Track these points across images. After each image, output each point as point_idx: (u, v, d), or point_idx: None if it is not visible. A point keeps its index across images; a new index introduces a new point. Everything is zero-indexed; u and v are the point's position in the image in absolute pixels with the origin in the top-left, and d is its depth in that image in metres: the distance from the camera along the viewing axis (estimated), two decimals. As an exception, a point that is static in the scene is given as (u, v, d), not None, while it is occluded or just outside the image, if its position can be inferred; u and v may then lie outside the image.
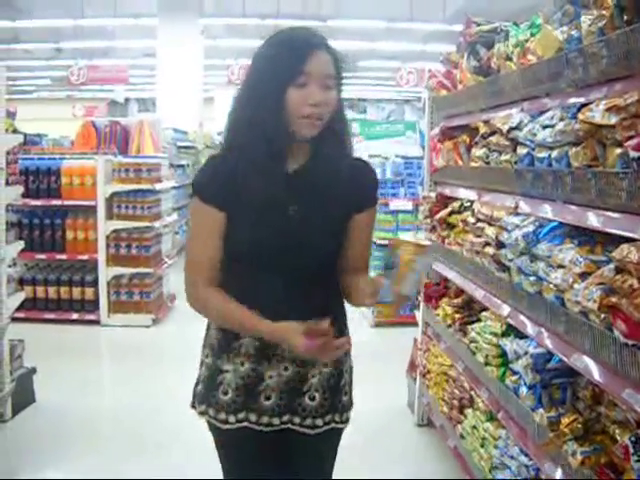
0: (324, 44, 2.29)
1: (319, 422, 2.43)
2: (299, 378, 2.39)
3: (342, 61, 2.34)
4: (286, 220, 2.32)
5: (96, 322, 8.30)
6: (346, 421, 2.52)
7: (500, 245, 3.31)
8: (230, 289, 2.36)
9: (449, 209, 4.47)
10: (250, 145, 2.29)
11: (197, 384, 2.52)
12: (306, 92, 2.24)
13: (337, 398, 2.47)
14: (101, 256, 8.25)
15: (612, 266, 2.36)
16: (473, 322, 4.10)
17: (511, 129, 3.28)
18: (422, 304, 5.24)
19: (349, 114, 2.54)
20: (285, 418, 2.40)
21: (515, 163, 3.28)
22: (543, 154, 2.93)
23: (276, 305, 2.26)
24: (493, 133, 3.62)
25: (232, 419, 2.38)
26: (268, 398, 2.37)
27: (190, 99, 16.59)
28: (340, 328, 2.43)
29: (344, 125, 2.43)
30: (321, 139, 2.34)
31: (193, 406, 2.51)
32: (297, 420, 2.41)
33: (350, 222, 2.44)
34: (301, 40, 2.28)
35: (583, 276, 2.50)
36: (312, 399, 2.41)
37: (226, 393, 2.38)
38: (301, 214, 2.33)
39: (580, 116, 2.57)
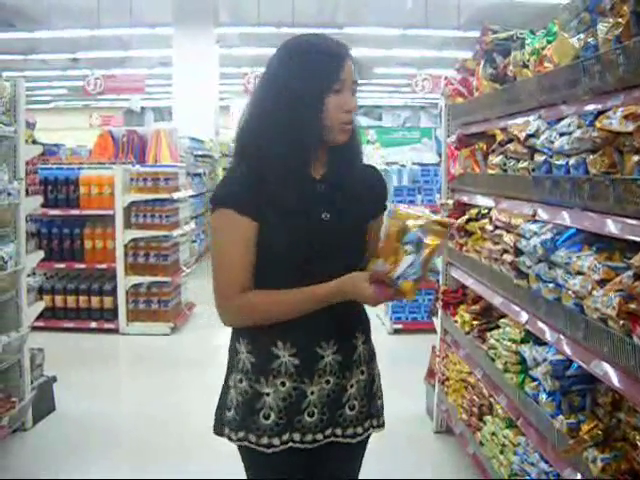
0: (350, 52, 2.33)
1: (359, 430, 2.43)
2: (339, 390, 2.37)
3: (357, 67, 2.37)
4: (320, 226, 2.30)
5: (115, 330, 8.34)
6: (382, 425, 2.53)
7: (518, 252, 3.31)
8: None
9: (467, 216, 4.47)
10: (284, 152, 2.26)
11: (225, 410, 2.41)
12: (341, 99, 2.27)
13: (373, 403, 2.48)
14: (119, 265, 8.30)
15: (631, 273, 2.36)
16: (492, 329, 4.10)
17: (528, 136, 3.28)
18: (440, 311, 5.24)
19: (364, 121, 2.55)
20: (328, 432, 2.37)
21: (533, 170, 3.28)
22: (561, 161, 2.93)
23: (310, 316, 2.27)
24: (510, 140, 3.63)
25: (277, 442, 2.31)
26: (311, 415, 2.33)
27: (206, 108, 16.62)
28: (366, 330, 2.50)
29: (358, 130, 2.45)
30: (340, 146, 2.37)
31: (219, 433, 2.44)
32: (339, 432, 2.39)
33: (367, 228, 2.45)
34: (336, 47, 2.31)
35: (602, 283, 2.51)
36: (352, 408, 2.40)
37: (268, 417, 2.31)
38: (333, 220, 2.32)
39: (597, 123, 2.58)
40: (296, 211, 2.27)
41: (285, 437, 2.31)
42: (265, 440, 2.31)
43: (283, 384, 2.31)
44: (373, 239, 2.40)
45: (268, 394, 2.31)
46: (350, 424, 2.40)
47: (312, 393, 2.32)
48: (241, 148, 2.39)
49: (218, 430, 2.44)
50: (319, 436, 2.35)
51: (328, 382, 2.34)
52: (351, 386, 2.40)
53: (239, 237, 2.27)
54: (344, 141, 2.33)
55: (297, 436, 2.32)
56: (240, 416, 2.35)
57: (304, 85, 2.25)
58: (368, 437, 2.51)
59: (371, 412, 2.47)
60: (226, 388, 2.44)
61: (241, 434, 2.34)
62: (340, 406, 2.38)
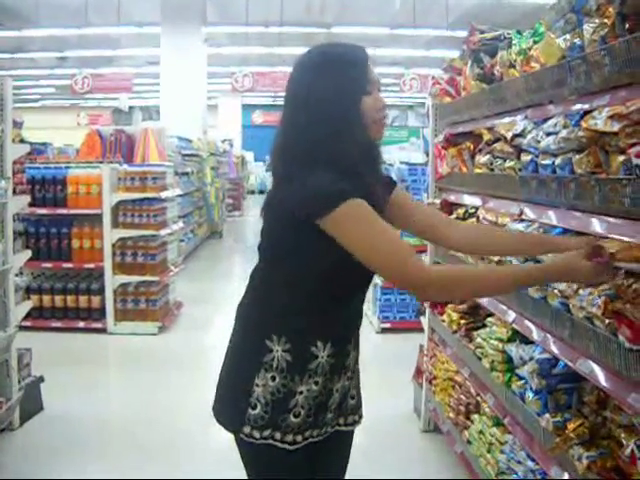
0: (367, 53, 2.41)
1: (356, 417, 2.58)
2: (349, 383, 2.51)
3: None
4: None
5: (103, 330, 8.31)
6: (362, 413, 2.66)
7: (505, 251, 3.32)
8: (310, 307, 2.36)
9: (454, 215, 4.48)
10: (356, 158, 2.27)
11: (249, 408, 2.34)
12: (374, 98, 2.35)
13: (360, 391, 2.63)
14: (107, 264, 8.27)
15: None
16: (479, 328, 4.11)
17: (515, 136, 3.30)
18: (428, 310, 5.25)
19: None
20: (334, 422, 2.48)
21: (519, 170, 3.30)
22: (547, 161, 2.95)
23: (355, 319, 2.49)
24: (497, 140, 3.64)
25: (299, 438, 2.34)
26: (332, 411, 2.43)
27: (194, 107, 16.63)
28: None
29: None
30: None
31: (236, 431, 2.37)
32: (342, 421, 2.53)
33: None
34: (359, 52, 2.38)
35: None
36: (353, 398, 2.56)
37: (298, 415, 2.32)
38: None
39: (583, 123, 2.59)
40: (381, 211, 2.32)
41: (307, 434, 2.36)
42: (290, 437, 2.32)
43: (317, 383, 2.35)
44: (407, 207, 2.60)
45: (301, 392, 2.33)
46: (351, 412, 2.55)
47: (337, 390, 2.43)
48: (306, 156, 2.28)
49: (236, 427, 2.36)
50: (329, 428, 2.45)
51: (348, 378, 2.48)
52: (351, 378, 2.52)
53: (377, 216, 2.22)
54: (381, 138, 2.41)
55: (316, 432, 2.38)
56: (269, 414, 2.31)
57: (343, 91, 2.30)
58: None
59: (361, 400, 2.62)
60: (248, 385, 2.35)
61: (266, 432, 2.31)
62: (347, 397, 2.52)
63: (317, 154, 2.25)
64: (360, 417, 2.61)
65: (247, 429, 2.33)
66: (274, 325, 2.35)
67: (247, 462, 2.43)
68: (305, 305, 2.35)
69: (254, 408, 2.32)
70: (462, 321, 4.40)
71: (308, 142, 2.27)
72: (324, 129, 2.26)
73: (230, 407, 2.41)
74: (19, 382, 5.35)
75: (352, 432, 2.62)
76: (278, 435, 2.31)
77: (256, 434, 2.32)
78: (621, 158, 2.38)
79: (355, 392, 2.57)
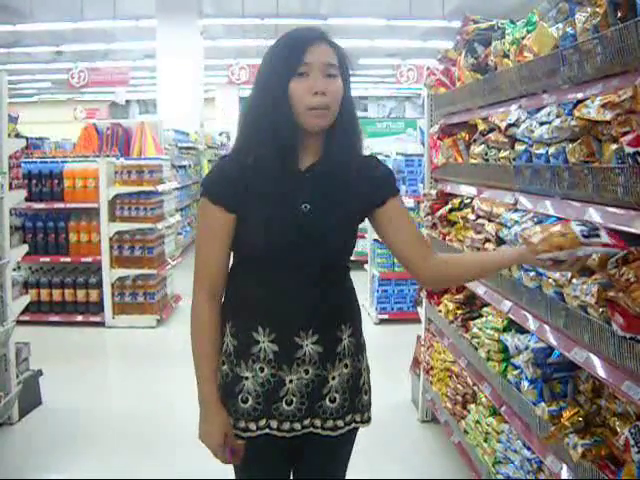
0: (324, 37, 2.30)
1: (340, 423, 2.40)
2: (320, 381, 2.35)
3: (345, 54, 2.34)
4: (298, 217, 2.27)
5: (101, 324, 8.34)
6: (367, 420, 2.49)
7: (500, 241, 3.33)
8: (242, 291, 2.37)
9: (449, 206, 4.49)
10: (260, 143, 2.28)
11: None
12: (309, 82, 2.23)
13: (357, 398, 2.45)
14: (105, 258, 8.29)
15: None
16: (475, 318, 4.13)
17: (509, 126, 3.30)
18: (425, 300, 5.26)
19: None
20: (306, 422, 2.36)
21: (513, 159, 3.30)
22: (541, 150, 2.96)
23: (289, 304, 2.30)
24: (491, 130, 3.65)
25: (253, 427, 2.33)
26: (289, 403, 2.33)
27: (191, 100, 16.57)
28: (355, 323, 2.48)
29: (354, 121, 2.39)
30: (331, 135, 2.32)
31: None
32: (318, 423, 2.38)
33: (378, 218, 2.41)
34: (300, 34, 2.30)
35: (581, 271, 2.53)
36: (332, 401, 2.38)
37: (246, 401, 2.33)
38: (314, 211, 2.29)
39: (576, 112, 2.60)
40: (272, 200, 2.27)
41: (262, 423, 2.33)
42: (242, 424, 2.34)
43: (262, 369, 2.31)
44: (398, 224, 2.40)
45: (247, 378, 2.33)
46: (330, 416, 2.38)
47: (291, 382, 2.31)
48: (235, 140, 2.42)
49: None
50: (297, 425, 2.34)
51: (307, 372, 2.32)
52: (333, 378, 2.37)
53: (213, 228, 2.33)
54: (321, 127, 2.28)
55: (274, 423, 2.33)
56: (222, 398, 2.37)
57: (269, 75, 2.29)
58: (352, 434, 2.49)
59: (355, 406, 2.44)
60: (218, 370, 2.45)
61: None
62: (320, 397, 2.36)
63: (243, 138, 2.37)
64: (347, 424, 2.41)
65: None
66: (225, 311, 2.41)
67: None
68: (239, 288, 2.39)
69: (217, 391, 2.39)
70: (458, 311, 4.42)
71: (242, 125, 2.38)
72: (251, 113, 2.34)
73: None
74: (17, 376, 5.36)
75: (338, 440, 2.43)
76: (230, 420, 2.35)
77: None
78: (614, 147, 2.39)
79: (338, 396, 2.38)
